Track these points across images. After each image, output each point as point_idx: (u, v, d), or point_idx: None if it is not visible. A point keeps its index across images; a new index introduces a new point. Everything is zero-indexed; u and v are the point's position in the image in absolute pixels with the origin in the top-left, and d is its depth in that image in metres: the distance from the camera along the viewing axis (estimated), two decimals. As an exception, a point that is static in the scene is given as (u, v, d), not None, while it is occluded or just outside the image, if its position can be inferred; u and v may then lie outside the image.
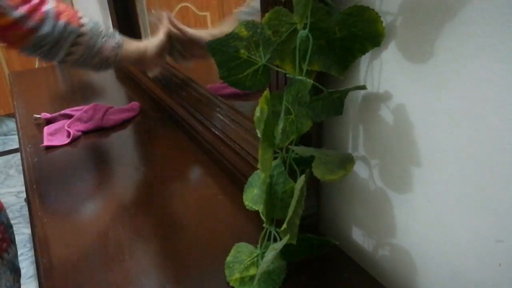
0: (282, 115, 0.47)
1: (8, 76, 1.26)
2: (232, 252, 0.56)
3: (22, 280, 1.64)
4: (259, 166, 0.50)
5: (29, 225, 0.70)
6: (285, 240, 0.45)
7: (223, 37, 0.46)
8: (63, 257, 0.62)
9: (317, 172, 0.45)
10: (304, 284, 0.55)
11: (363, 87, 0.49)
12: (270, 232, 0.53)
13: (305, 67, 0.45)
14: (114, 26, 1.38)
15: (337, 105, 0.51)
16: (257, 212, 0.54)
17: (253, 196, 0.56)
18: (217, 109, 0.88)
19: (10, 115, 3.06)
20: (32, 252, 1.77)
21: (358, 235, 0.60)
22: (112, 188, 0.77)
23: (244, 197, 0.57)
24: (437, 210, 0.47)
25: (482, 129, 0.39)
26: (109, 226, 0.67)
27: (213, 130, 0.85)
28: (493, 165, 0.39)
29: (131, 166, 0.84)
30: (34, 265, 0.63)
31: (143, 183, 0.79)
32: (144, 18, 1.45)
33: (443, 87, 0.42)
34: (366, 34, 0.44)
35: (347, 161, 0.50)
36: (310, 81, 0.45)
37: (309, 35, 0.43)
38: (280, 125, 0.47)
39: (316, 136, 0.58)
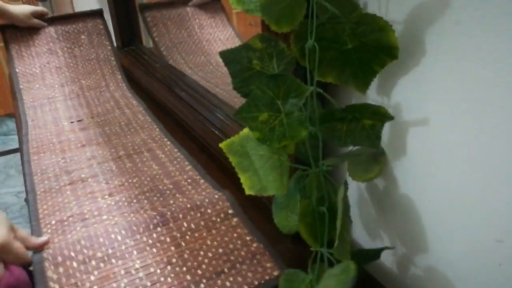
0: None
1: (8, 76, 1.26)
2: (282, 282, 0.50)
3: (22, 280, 1.64)
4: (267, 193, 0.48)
5: (29, 225, 0.69)
6: (344, 264, 0.42)
7: (237, 47, 0.45)
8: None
9: (355, 176, 0.44)
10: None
11: (390, 117, 0.45)
12: (321, 254, 0.48)
13: (316, 76, 0.44)
14: (114, 26, 1.38)
15: (371, 136, 0.46)
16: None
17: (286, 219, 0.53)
18: (217, 109, 0.88)
19: (10, 115, 3.06)
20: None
21: (358, 235, 0.60)
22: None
23: (277, 220, 0.53)
24: (437, 210, 0.47)
25: (482, 129, 0.39)
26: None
27: (213, 130, 0.85)
28: (493, 165, 0.39)
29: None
30: (34, 265, 0.62)
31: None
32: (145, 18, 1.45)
33: (443, 87, 0.42)
34: (378, 45, 0.42)
35: (378, 155, 0.49)
36: (303, 84, 0.44)
37: (315, 44, 0.42)
38: (265, 116, 0.44)
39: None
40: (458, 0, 0.38)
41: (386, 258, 0.56)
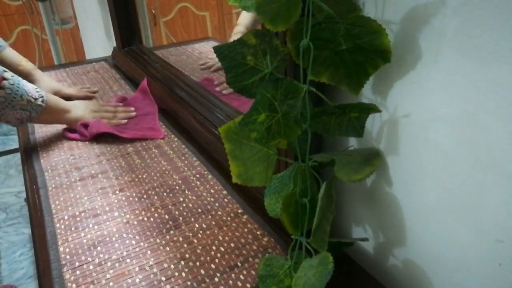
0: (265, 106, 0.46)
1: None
2: (262, 266, 0.53)
3: (22, 280, 1.64)
4: (235, 180, 0.50)
5: (29, 225, 0.70)
6: (322, 256, 0.45)
7: (232, 42, 0.46)
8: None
9: (342, 175, 0.44)
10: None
11: (377, 109, 0.47)
12: (300, 242, 0.51)
13: (309, 75, 0.44)
14: (114, 26, 1.38)
15: (356, 126, 0.48)
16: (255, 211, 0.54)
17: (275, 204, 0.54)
18: (217, 109, 0.88)
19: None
20: (32, 252, 1.76)
21: (358, 235, 0.61)
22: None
23: (267, 203, 0.54)
24: (437, 210, 0.47)
25: (482, 129, 0.39)
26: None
27: (213, 130, 0.85)
28: (493, 165, 0.40)
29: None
30: (34, 265, 0.63)
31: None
32: (145, 18, 1.45)
33: (441, 88, 0.42)
34: (372, 47, 0.42)
35: (372, 156, 0.49)
36: (300, 85, 0.44)
37: (310, 43, 0.42)
38: (262, 117, 0.45)
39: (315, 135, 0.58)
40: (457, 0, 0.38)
41: (368, 245, 0.57)
